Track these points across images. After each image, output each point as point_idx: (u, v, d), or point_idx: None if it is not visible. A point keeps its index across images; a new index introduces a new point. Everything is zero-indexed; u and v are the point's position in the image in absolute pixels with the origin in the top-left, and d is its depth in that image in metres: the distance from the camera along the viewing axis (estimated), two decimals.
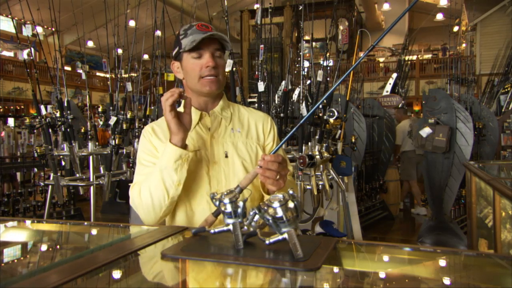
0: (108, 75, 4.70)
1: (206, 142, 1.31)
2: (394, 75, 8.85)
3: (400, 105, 8.02)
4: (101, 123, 3.86)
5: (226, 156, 1.31)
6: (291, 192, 0.86)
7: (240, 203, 0.92)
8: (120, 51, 4.21)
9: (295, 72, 4.16)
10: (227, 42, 1.31)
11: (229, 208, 0.92)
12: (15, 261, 1.02)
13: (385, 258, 0.99)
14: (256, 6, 3.61)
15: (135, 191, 1.27)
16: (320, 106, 3.34)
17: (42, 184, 5.21)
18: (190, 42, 1.25)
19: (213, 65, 1.26)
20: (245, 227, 0.91)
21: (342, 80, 1.12)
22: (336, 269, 0.87)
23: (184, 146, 1.21)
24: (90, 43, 14.34)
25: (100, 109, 3.87)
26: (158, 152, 1.31)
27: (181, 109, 1.28)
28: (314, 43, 3.91)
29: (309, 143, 3.14)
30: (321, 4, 4.11)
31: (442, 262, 0.94)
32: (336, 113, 3.04)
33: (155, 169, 1.23)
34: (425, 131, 4.67)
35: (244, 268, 0.83)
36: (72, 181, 3.43)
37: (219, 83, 1.31)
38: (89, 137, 3.46)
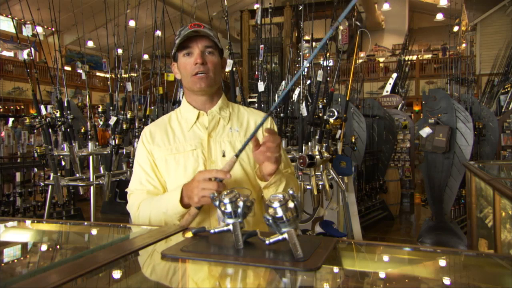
0: (108, 75, 4.70)
1: (203, 141, 1.32)
2: (394, 75, 8.85)
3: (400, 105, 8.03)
4: (101, 123, 3.86)
5: (224, 155, 1.31)
6: (291, 192, 0.86)
7: (240, 203, 0.92)
8: (120, 51, 4.20)
9: (295, 72, 4.16)
10: (216, 38, 1.30)
11: (229, 208, 0.92)
12: (15, 261, 1.02)
13: (385, 258, 0.99)
14: (256, 6, 3.61)
15: (133, 205, 1.31)
16: (320, 106, 3.35)
17: (42, 184, 5.21)
18: (179, 41, 1.28)
19: (200, 62, 1.27)
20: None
21: (311, 58, 1.12)
22: (336, 269, 0.87)
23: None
24: (90, 43, 14.34)
25: (100, 109, 3.87)
26: (155, 158, 1.33)
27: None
28: (314, 43, 3.91)
29: (309, 143, 3.14)
30: (321, 4, 4.11)
31: (442, 262, 0.94)
32: (336, 113, 3.04)
33: (159, 203, 1.24)
34: (425, 131, 4.67)
35: (244, 268, 0.83)
36: (72, 181, 3.43)
37: (210, 80, 1.30)
38: (89, 137, 3.45)
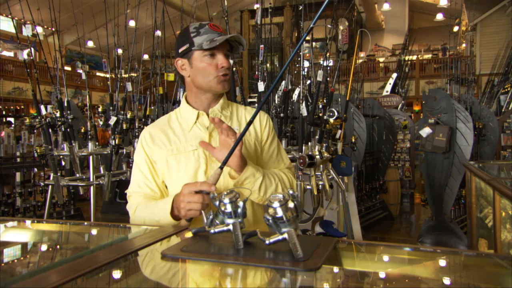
0: (108, 75, 4.70)
1: (204, 141, 1.32)
2: (394, 75, 8.85)
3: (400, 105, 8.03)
4: (101, 123, 3.86)
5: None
6: (291, 192, 0.86)
7: (240, 203, 0.92)
8: (120, 51, 4.20)
9: (295, 72, 4.16)
10: (242, 45, 1.33)
11: (229, 208, 0.92)
12: (15, 261, 1.02)
13: (385, 258, 0.99)
14: (256, 6, 3.61)
15: (131, 208, 1.33)
16: (320, 106, 3.34)
17: (42, 184, 5.21)
18: (207, 41, 1.26)
19: (227, 66, 1.29)
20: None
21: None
22: (336, 269, 0.87)
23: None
24: (90, 43, 14.34)
25: (100, 109, 3.86)
26: (155, 159, 1.34)
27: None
28: (314, 43, 3.91)
29: (309, 143, 3.14)
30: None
31: (442, 262, 0.94)
32: (336, 113, 3.03)
33: (153, 210, 1.25)
34: (425, 131, 4.67)
35: (244, 268, 0.83)
36: (72, 181, 3.42)
37: (229, 82, 1.35)
38: (89, 137, 3.45)
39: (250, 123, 1.10)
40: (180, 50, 1.32)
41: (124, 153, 3.61)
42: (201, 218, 1.09)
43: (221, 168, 1.11)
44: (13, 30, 11.94)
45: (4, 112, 12.55)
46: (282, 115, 3.54)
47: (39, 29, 4.40)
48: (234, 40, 1.32)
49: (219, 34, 1.28)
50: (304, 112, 3.18)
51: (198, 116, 1.34)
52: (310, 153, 2.62)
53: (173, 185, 1.32)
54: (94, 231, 1.32)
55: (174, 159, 1.31)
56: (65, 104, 3.49)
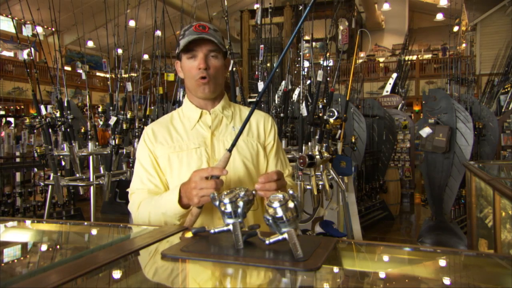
0: (108, 75, 4.70)
1: (206, 139, 1.32)
2: (394, 75, 8.85)
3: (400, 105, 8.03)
4: (101, 123, 3.86)
5: None
6: (291, 192, 0.86)
7: (240, 203, 0.92)
8: (120, 51, 4.20)
9: (295, 72, 4.17)
10: (220, 43, 1.29)
11: (229, 208, 0.92)
12: (15, 261, 1.02)
13: (385, 258, 0.99)
14: (256, 6, 3.61)
15: (134, 205, 1.31)
16: (320, 106, 3.35)
17: (42, 184, 5.21)
18: (183, 43, 1.26)
19: (203, 67, 1.26)
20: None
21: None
22: (336, 269, 0.87)
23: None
24: (90, 43, 14.34)
25: (100, 109, 3.86)
26: (157, 156, 1.33)
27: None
28: (314, 43, 3.91)
29: (309, 143, 3.14)
30: (321, 4, 4.10)
31: (442, 262, 0.94)
32: (336, 113, 3.04)
33: (158, 203, 1.22)
34: (425, 131, 4.67)
35: (244, 268, 0.83)
36: (72, 181, 3.42)
37: (214, 85, 1.30)
38: (89, 137, 3.45)
39: (245, 124, 1.10)
40: (176, 53, 1.33)
41: (124, 153, 3.60)
42: (211, 208, 1.07)
43: (230, 150, 1.09)
44: (13, 30, 11.93)
45: (4, 112, 12.56)
46: (282, 115, 3.54)
47: (39, 29, 4.40)
48: (213, 40, 1.26)
49: (198, 34, 1.24)
50: (304, 112, 3.18)
51: (201, 115, 1.35)
52: (310, 153, 2.62)
53: (174, 182, 1.31)
54: (94, 231, 1.32)
55: (176, 156, 1.31)
56: (65, 104, 3.49)
